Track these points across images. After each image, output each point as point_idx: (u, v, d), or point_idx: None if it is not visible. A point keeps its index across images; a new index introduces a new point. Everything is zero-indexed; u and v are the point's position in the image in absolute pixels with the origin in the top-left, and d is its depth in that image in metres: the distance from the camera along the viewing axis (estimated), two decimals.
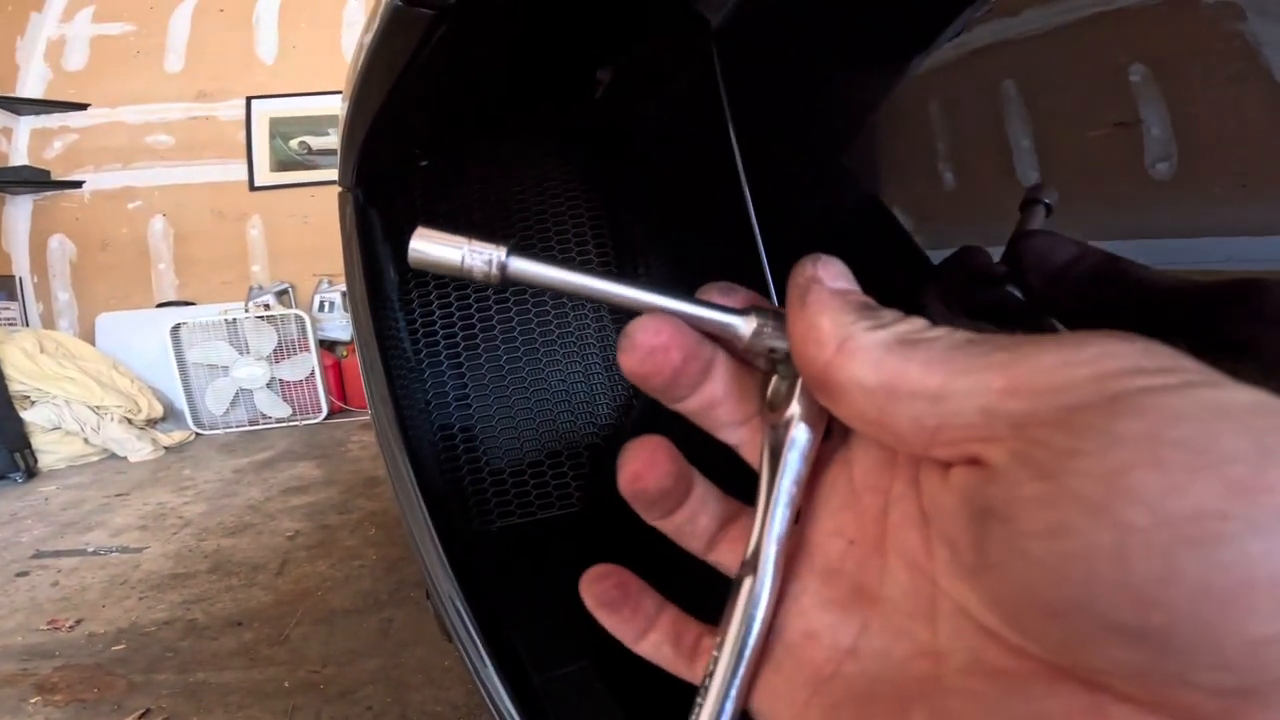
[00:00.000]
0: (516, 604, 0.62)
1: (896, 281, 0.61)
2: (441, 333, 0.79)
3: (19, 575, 2.18)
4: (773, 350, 0.23)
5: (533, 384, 0.81)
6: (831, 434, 0.23)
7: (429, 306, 0.78)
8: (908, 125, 0.64)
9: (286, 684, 1.49)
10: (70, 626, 1.81)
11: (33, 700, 1.49)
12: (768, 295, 0.60)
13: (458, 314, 0.80)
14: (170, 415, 4.03)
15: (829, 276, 0.22)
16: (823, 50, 0.57)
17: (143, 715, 1.41)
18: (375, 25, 0.48)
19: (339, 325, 4.38)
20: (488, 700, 0.47)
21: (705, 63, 0.54)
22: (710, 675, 0.23)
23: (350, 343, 4.27)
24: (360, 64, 0.53)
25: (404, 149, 0.77)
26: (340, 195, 0.70)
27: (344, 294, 4.21)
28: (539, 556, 0.73)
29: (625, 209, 0.82)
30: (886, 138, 0.66)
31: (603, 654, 0.58)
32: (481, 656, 0.47)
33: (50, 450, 3.45)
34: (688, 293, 0.23)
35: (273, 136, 4.77)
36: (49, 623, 1.84)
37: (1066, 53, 0.53)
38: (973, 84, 0.58)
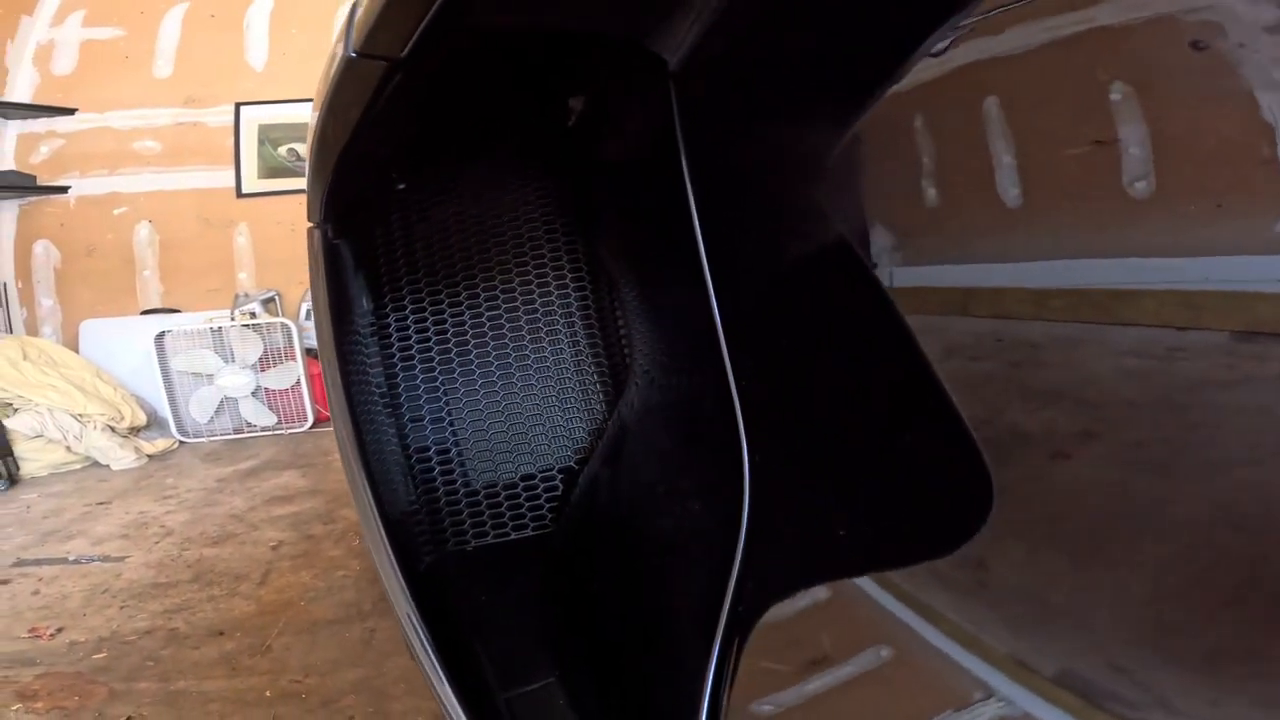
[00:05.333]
0: (487, 622, 0.65)
1: (850, 309, 0.64)
2: (419, 357, 0.83)
3: (0, 583, 2.18)
4: None
5: (508, 407, 0.84)
6: None
7: (406, 332, 0.81)
8: (892, 141, 0.64)
9: (268, 693, 1.51)
10: (51, 635, 1.82)
11: (14, 707, 1.50)
12: (714, 331, 0.63)
13: (434, 339, 0.83)
14: (154, 423, 4.02)
15: None
16: (781, 91, 0.60)
17: None
18: (330, 75, 0.51)
19: None
20: (440, 706, 0.50)
21: (663, 101, 0.58)
22: None
23: None
24: (320, 108, 0.56)
25: (375, 181, 0.80)
26: (309, 231, 0.72)
27: None
28: (512, 575, 0.76)
29: (598, 234, 0.86)
30: (870, 153, 0.67)
31: (566, 671, 0.61)
32: (439, 674, 0.50)
33: (32, 458, 3.44)
34: None
35: (261, 143, 4.78)
36: (30, 631, 1.85)
37: (1048, 71, 0.53)
38: (956, 101, 0.59)
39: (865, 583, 0.55)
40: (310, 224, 0.71)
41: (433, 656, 0.51)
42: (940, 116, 0.61)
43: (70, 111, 4.53)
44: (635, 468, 0.72)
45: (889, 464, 0.60)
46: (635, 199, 0.70)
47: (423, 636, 0.52)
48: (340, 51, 0.47)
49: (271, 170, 4.74)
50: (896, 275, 0.66)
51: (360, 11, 0.47)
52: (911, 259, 0.65)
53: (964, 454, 0.57)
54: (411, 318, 0.82)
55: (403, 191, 0.78)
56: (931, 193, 0.64)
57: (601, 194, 0.81)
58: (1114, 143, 0.48)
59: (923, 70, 0.59)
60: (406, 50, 0.44)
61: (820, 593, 0.56)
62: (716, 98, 0.60)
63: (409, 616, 0.53)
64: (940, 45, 0.57)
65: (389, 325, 0.80)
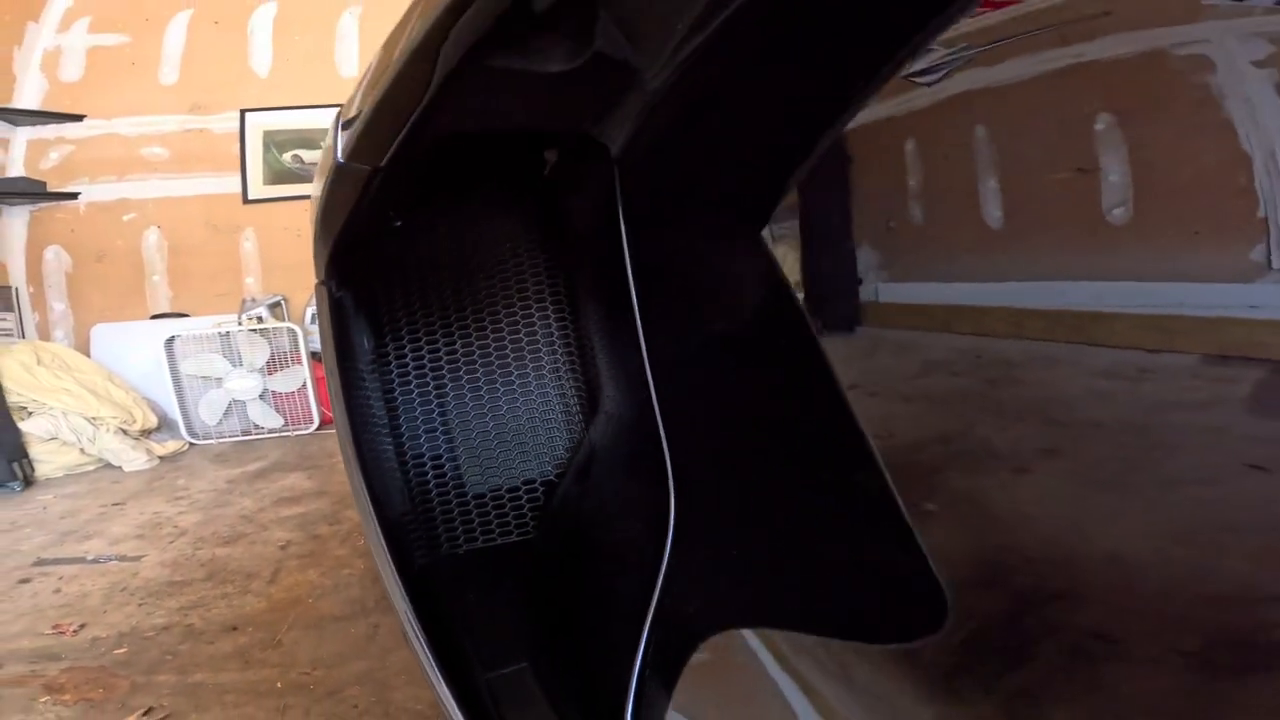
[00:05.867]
0: (474, 616, 0.75)
1: (783, 377, 0.72)
2: (415, 381, 0.92)
3: (22, 582, 2.28)
4: None
5: (496, 426, 0.94)
6: None
7: (404, 360, 0.91)
8: (883, 163, 0.67)
9: (279, 684, 1.61)
10: (74, 631, 1.92)
11: (42, 700, 1.60)
12: (646, 383, 0.72)
13: (429, 365, 0.93)
14: (164, 425, 4.12)
15: None
16: (700, 179, 0.68)
17: (146, 713, 1.53)
18: (325, 175, 0.60)
19: None
20: (433, 688, 0.59)
21: (608, 179, 0.67)
22: None
23: None
24: (319, 198, 0.65)
25: (371, 242, 0.88)
26: (316, 287, 0.82)
27: None
28: (497, 575, 0.86)
29: (575, 271, 0.95)
30: (862, 174, 0.70)
31: (537, 658, 0.72)
32: (429, 660, 0.59)
33: (47, 460, 3.54)
34: None
35: (266, 149, 4.86)
36: (54, 627, 1.95)
37: (1038, 102, 0.55)
38: (946, 128, 0.61)
39: (754, 641, 0.61)
40: (317, 281, 0.81)
41: (424, 645, 0.60)
42: (931, 142, 0.64)
43: (78, 118, 4.61)
44: (599, 486, 0.82)
45: (811, 535, 0.67)
46: (595, 249, 0.79)
47: (416, 629, 0.61)
48: (331, 157, 0.57)
49: (277, 176, 4.82)
50: (882, 291, 0.70)
51: (345, 128, 0.57)
52: (898, 276, 0.69)
53: (900, 543, 0.61)
54: (409, 347, 0.92)
55: (398, 235, 0.88)
56: (918, 213, 0.66)
57: (572, 238, 0.90)
58: (1095, 170, 0.50)
59: (916, 98, 0.61)
60: (386, 160, 0.54)
61: (719, 640, 0.63)
62: (651, 180, 0.70)
63: (405, 612, 0.63)
64: (934, 76, 0.59)
65: (388, 355, 0.90)
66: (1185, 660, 0.48)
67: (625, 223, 0.68)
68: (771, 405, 0.70)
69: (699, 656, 0.64)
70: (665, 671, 0.64)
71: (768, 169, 0.66)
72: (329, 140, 0.60)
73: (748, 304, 0.71)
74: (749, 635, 0.63)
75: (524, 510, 0.92)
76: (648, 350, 0.70)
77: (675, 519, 0.66)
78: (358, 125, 0.55)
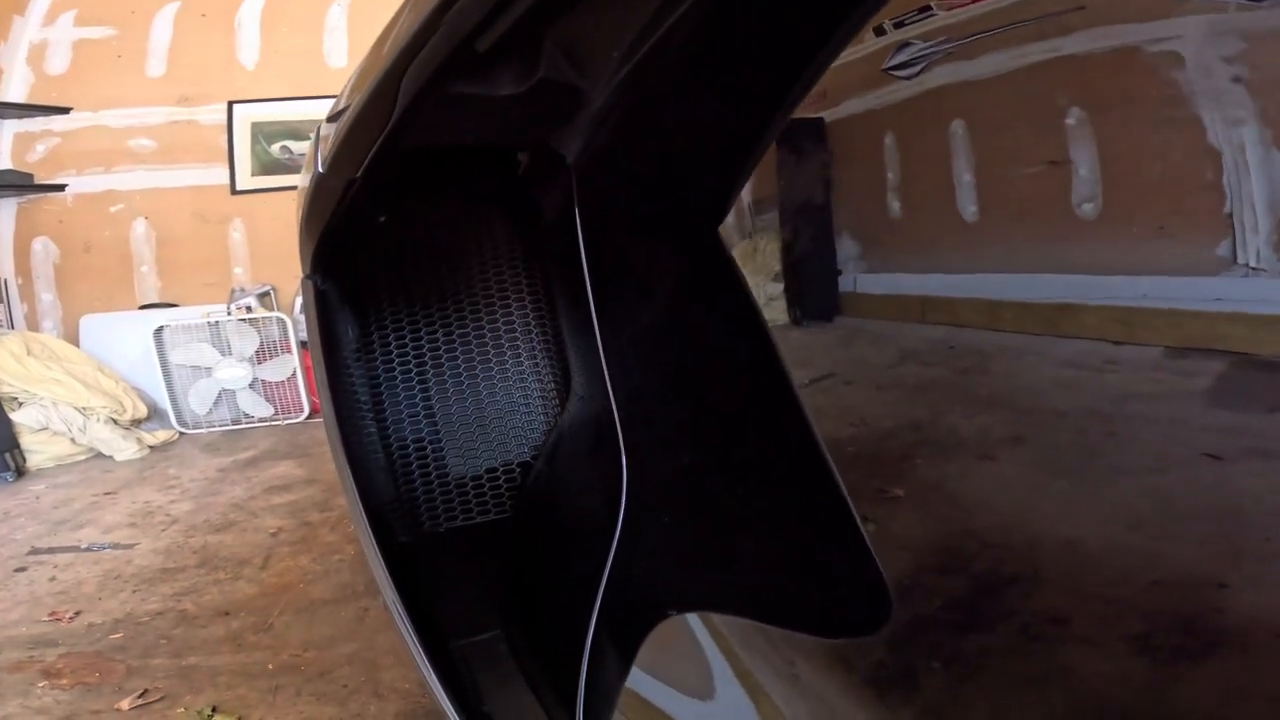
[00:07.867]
0: (451, 589, 0.80)
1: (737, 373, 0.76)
2: (399, 369, 0.97)
3: (17, 571, 2.32)
4: None
5: (475, 411, 0.99)
6: None
7: (388, 349, 0.95)
8: (863, 156, 0.69)
9: (270, 666, 1.66)
10: (70, 618, 1.96)
11: (40, 684, 1.65)
12: (601, 376, 0.77)
13: (412, 354, 0.97)
14: (154, 415, 4.14)
15: None
16: (648, 184, 0.73)
17: (141, 695, 1.57)
18: (307, 184, 0.65)
19: None
20: (410, 654, 0.64)
21: (566, 183, 0.72)
22: None
23: None
24: (304, 201, 0.70)
25: (353, 238, 0.93)
26: (302, 281, 0.86)
27: None
28: (475, 552, 0.91)
29: (549, 265, 1.00)
30: (841, 166, 0.71)
31: (509, 626, 0.77)
32: (407, 628, 0.64)
33: (38, 450, 3.57)
34: None
35: (254, 140, 4.86)
36: (50, 614, 1.99)
37: (1013, 95, 0.56)
38: (924, 121, 0.63)
39: (696, 624, 0.65)
40: (303, 275, 0.86)
41: (404, 615, 0.65)
42: (909, 135, 0.65)
43: (65, 110, 4.60)
44: (566, 468, 0.87)
45: (757, 525, 0.71)
46: (562, 244, 0.84)
47: (396, 601, 0.66)
48: (313, 169, 0.61)
49: (265, 167, 4.82)
50: (861, 282, 0.72)
51: (324, 144, 0.61)
52: (875, 267, 0.71)
53: (845, 539, 0.63)
54: (393, 337, 0.97)
55: (380, 230, 0.92)
56: (896, 206, 0.68)
57: (544, 233, 0.95)
58: (1066, 164, 0.50)
59: (896, 90, 0.63)
60: (360, 171, 0.58)
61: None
62: (605, 184, 0.74)
63: (387, 586, 0.68)
64: (913, 70, 0.60)
65: (373, 345, 0.94)
66: (1129, 644, 0.50)
67: (584, 222, 0.72)
68: (723, 396, 0.75)
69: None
70: (622, 640, 0.69)
71: (714, 170, 0.71)
72: (310, 152, 0.64)
73: (702, 298, 0.75)
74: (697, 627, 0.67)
75: (501, 491, 0.97)
76: (608, 340, 0.75)
77: (627, 498, 0.71)
78: (334, 144, 0.60)
